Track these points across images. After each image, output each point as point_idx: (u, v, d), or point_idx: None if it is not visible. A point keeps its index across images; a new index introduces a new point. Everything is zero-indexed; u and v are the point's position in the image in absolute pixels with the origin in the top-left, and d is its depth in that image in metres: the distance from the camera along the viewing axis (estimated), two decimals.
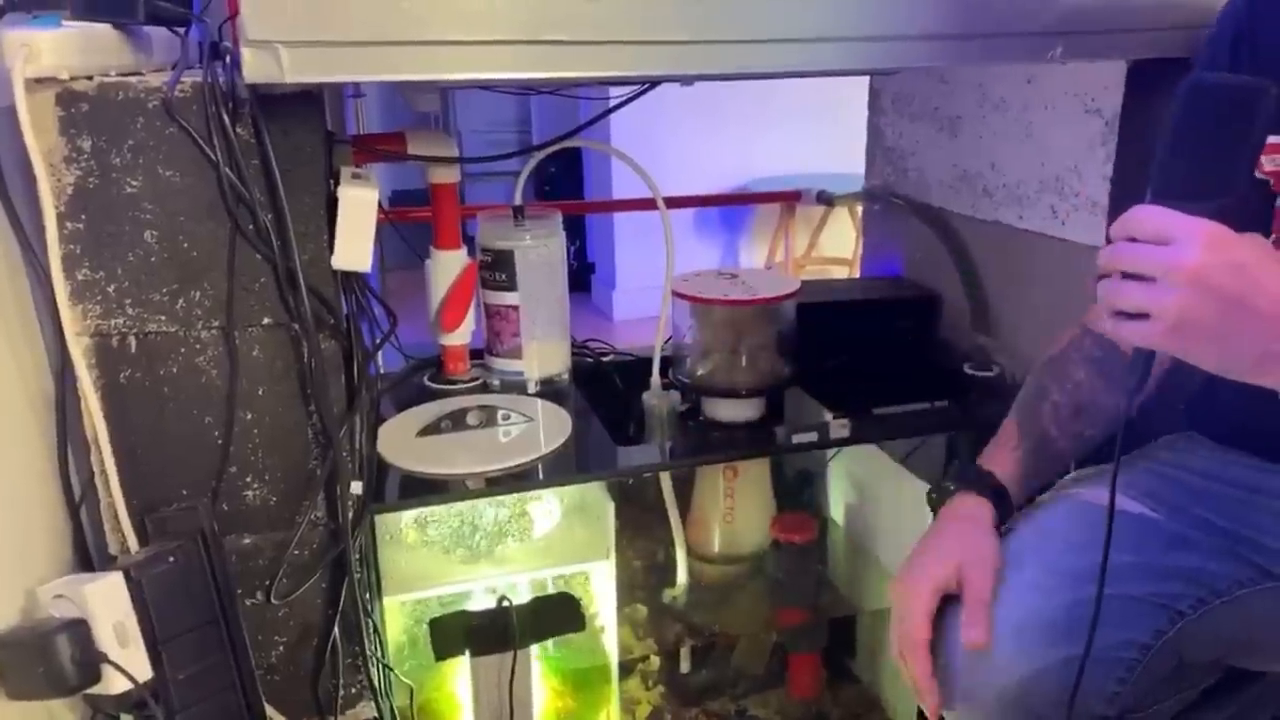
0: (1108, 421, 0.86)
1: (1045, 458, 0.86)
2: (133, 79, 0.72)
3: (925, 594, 0.76)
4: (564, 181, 3.92)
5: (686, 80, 0.91)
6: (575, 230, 3.83)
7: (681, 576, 1.16)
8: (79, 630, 0.66)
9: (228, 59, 0.75)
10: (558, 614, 0.97)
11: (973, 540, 0.79)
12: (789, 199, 3.29)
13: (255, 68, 0.64)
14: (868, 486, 1.20)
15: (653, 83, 1.02)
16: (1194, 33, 0.85)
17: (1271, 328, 0.56)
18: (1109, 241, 0.59)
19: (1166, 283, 0.56)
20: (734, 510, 1.19)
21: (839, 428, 1.03)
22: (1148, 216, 0.57)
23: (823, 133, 3.25)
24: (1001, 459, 0.85)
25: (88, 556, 0.79)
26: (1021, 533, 0.81)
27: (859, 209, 2.97)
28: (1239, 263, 0.56)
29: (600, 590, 1.04)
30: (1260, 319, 0.56)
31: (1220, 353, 0.58)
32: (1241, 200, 0.58)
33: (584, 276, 3.89)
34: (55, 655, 0.64)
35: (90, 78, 0.70)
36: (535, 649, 1.00)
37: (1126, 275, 0.57)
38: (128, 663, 0.69)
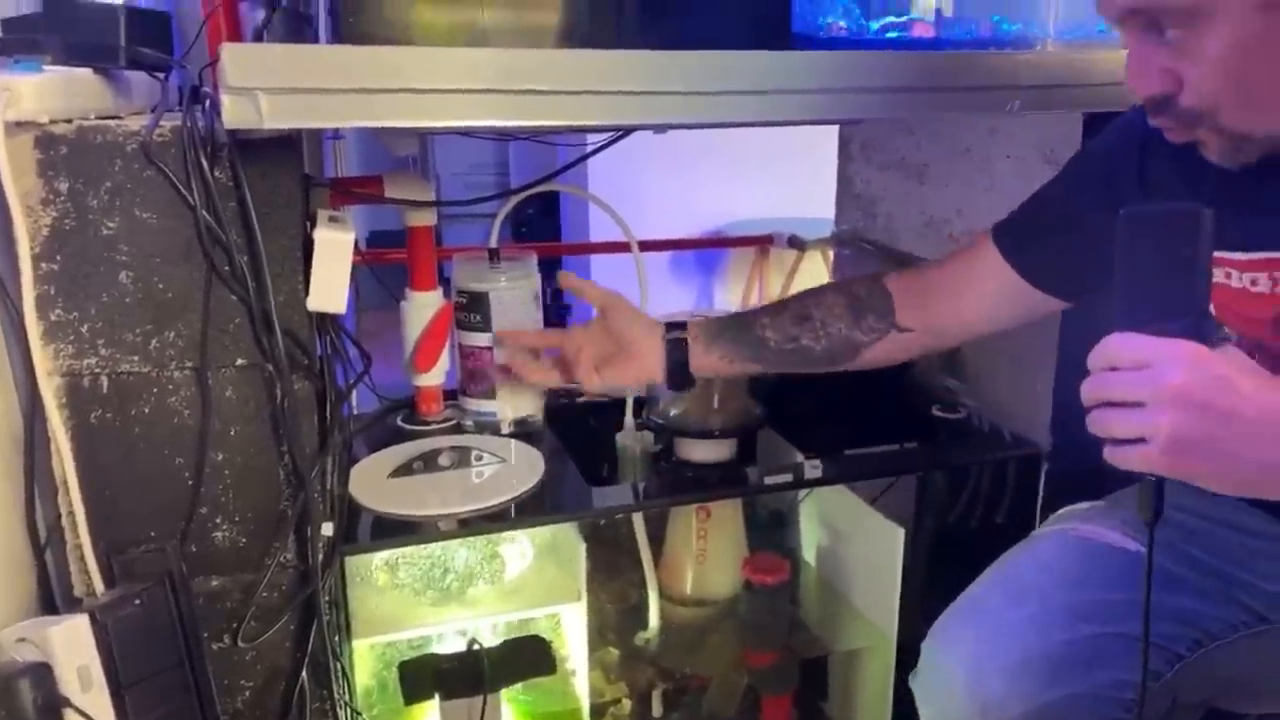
0: (833, 344, 0.96)
1: (744, 336, 0.97)
2: (112, 122, 0.73)
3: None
4: (541, 223, 3.95)
5: (660, 129, 0.94)
6: (552, 271, 3.83)
7: (654, 619, 1.16)
8: (41, 674, 0.65)
9: (207, 103, 0.76)
10: (528, 657, 0.96)
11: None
12: (762, 243, 3.34)
13: (235, 113, 0.65)
14: (839, 527, 1.20)
15: (627, 130, 1.04)
16: None
17: (1263, 434, 0.58)
18: (1087, 373, 0.61)
19: (1154, 405, 0.57)
20: (706, 551, 1.19)
21: (811, 468, 1.05)
22: (1123, 344, 0.59)
23: (796, 178, 3.31)
24: (704, 323, 0.99)
25: (52, 598, 0.78)
26: (1020, 567, 0.82)
27: (831, 253, 3.01)
28: (1220, 376, 0.57)
29: (571, 633, 1.04)
30: (1251, 426, 0.57)
31: (1220, 468, 0.59)
32: (1205, 314, 0.61)
33: (560, 317, 3.89)
34: (17, 699, 0.63)
35: (69, 121, 0.71)
36: (506, 692, 0.99)
37: (1114, 404, 0.59)
38: (90, 707, 0.68)
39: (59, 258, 0.72)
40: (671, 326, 0.98)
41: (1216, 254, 0.73)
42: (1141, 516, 0.63)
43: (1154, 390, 0.57)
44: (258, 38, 0.86)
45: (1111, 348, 0.60)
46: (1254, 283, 0.73)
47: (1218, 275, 0.75)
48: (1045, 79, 0.86)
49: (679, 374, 0.97)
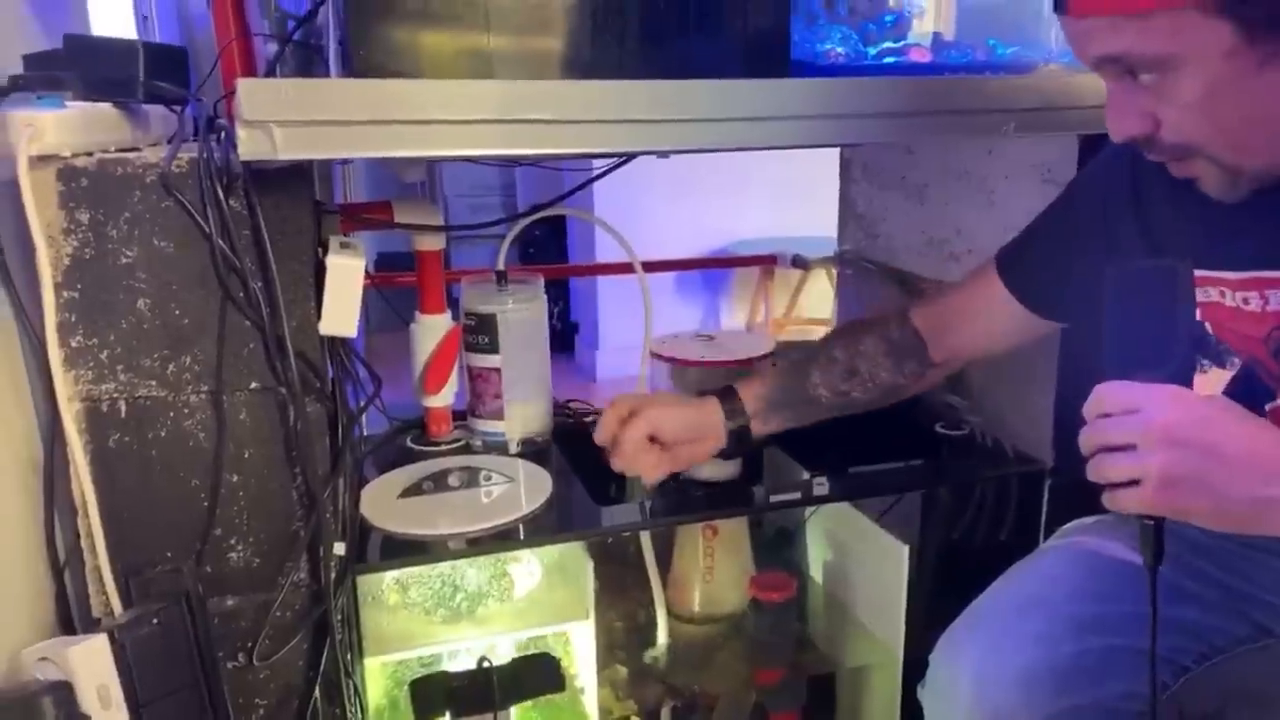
0: (880, 392, 1.00)
1: (799, 398, 1.00)
2: (131, 155, 0.75)
3: (621, 406, 0.96)
4: (548, 244, 3.98)
5: (663, 154, 0.96)
6: (559, 291, 3.88)
7: (662, 636, 1.17)
8: (63, 692, 0.67)
9: (222, 134, 0.78)
10: (538, 675, 0.97)
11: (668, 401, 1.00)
12: (766, 263, 3.36)
13: (250, 146, 0.67)
14: (845, 544, 1.21)
15: (631, 155, 1.06)
16: None
17: (1251, 471, 0.60)
18: (1083, 424, 0.63)
19: (1145, 447, 0.60)
20: (714, 569, 1.20)
21: (817, 486, 1.06)
22: (1113, 391, 0.62)
23: (799, 198, 3.33)
24: (758, 381, 1.01)
25: (70, 619, 0.80)
26: (1027, 580, 0.84)
27: (834, 272, 3.03)
28: (1205, 416, 0.60)
29: (580, 650, 1.05)
30: (1236, 463, 0.60)
31: (1213, 504, 0.61)
32: (1189, 359, 0.65)
33: (568, 337, 3.92)
34: (40, 717, 0.65)
35: (90, 154, 0.74)
36: (516, 710, 1.00)
37: (1109, 450, 0.62)
38: None
39: (80, 286, 0.75)
40: (726, 399, 0.99)
41: (1210, 273, 0.75)
42: (1144, 561, 0.65)
43: (1143, 431, 0.60)
44: (271, 71, 0.89)
45: (1103, 395, 0.63)
46: (1246, 301, 0.74)
47: (1212, 294, 0.76)
48: (1039, 102, 0.87)
49: (738, 451, 1.02)
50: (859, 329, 1.02)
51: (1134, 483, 0.61)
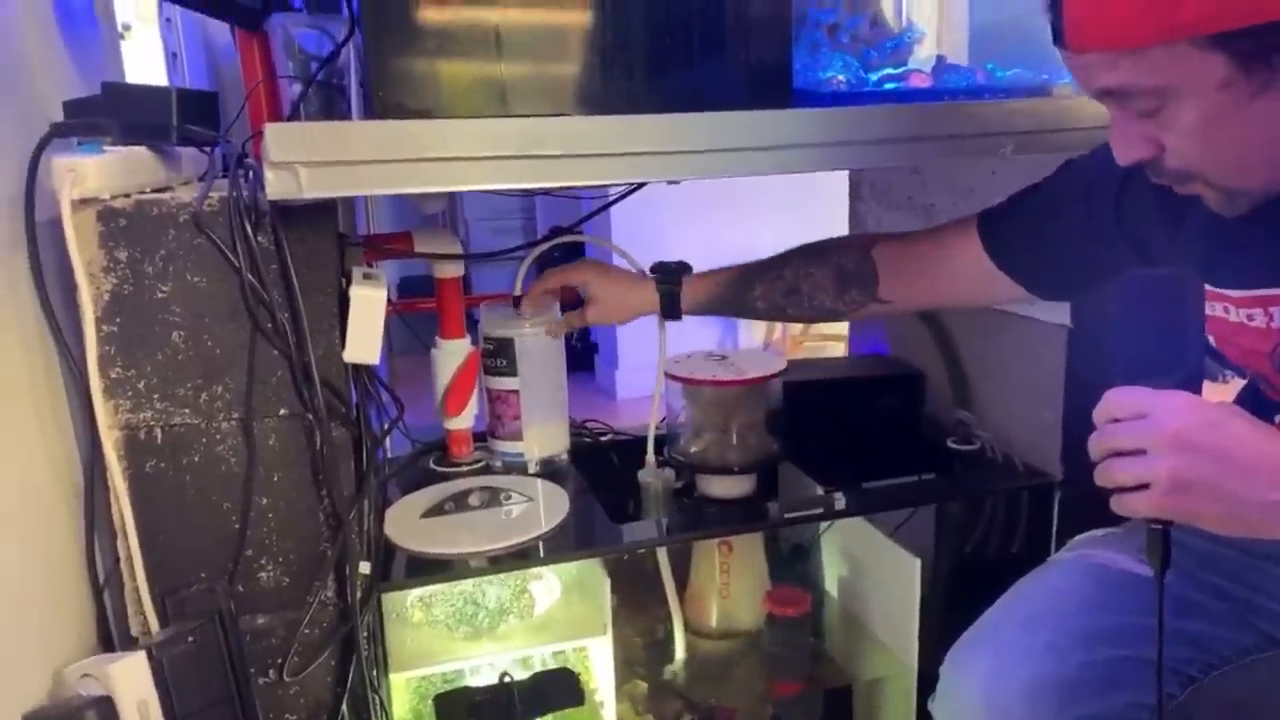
0: (813, 313, 1.06)
1: (734, 306, 1.09)
2: (166, 195, 0.79)
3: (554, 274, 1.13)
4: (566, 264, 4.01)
5: (673, 181, 0.99)
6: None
7: (679, 651, 1.19)
8: (105, 707, 0.70)
9: (250, 174, 0.82)
10: (558, 689, 1.00)
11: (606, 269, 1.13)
12: None
13: (277, 186, 0.71)
14: (859, 559, 1.23)
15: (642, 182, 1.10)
16: None
17: (1262, 476, 0.61)
18: (1092, 430, 0.64)
19: (1154, 451, 0.61)
20: (730, 585, 1.22)
21: (830, 501, 1.08)
22: (1122, 396, 0.63)
23: (811, 217, 3.35)
24: (702, 288, 1.09)
25: (109, 637, 0.83)
26: (1035, 592, 0.85)
27: None
28: (1215, 421, 0.61)
29: (599, 665, 1.07)
30: (1247, 468, 0.61)
31: (1223, 508, 0.62)
32: (1198, 366, 0.65)
33: (587, 357, 3.95)
34: None
35: (128, 195, 0.78)
36: None
37: (1119, 455, 0.63)
38: None
39: (118, 320, 0.79)
40: (662, 279, 1.09)
41: (1213, 289, 0.77)
42: (1150, 565, 0.66)
43: (1154, 437, 0.61)
44: (295, 111, 0.93)
45: (1112, 401, 0.64)
46: (1250, 318, 0.76)
47: (1216, 310, 0.78)
48: (1035, 124, 0.89)
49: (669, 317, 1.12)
50: (815, 256, 1.05)
51: (1143, 486, 0.62)
